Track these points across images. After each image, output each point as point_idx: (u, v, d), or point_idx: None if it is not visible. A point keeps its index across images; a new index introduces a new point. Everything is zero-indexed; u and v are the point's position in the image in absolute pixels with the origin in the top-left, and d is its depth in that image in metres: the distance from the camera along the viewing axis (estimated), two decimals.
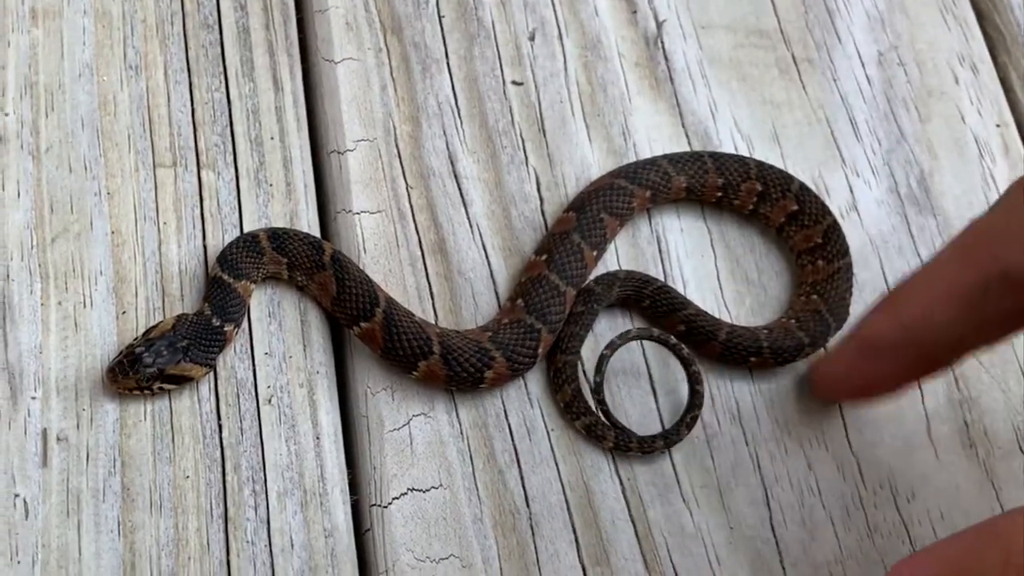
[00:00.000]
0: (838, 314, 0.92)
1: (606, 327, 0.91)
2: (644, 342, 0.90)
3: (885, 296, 0.81)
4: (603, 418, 0.86)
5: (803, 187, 0.96)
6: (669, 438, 0.86)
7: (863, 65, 1.06)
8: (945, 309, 0.76)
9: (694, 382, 0.87)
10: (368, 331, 0.84)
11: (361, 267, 0.89)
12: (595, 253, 0.91)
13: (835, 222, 0.95)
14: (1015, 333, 0.76)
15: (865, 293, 0.95)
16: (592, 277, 0.92)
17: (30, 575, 0.75)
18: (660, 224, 0.96)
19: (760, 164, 0.97)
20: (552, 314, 0.87)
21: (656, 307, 0.91)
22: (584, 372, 0.89)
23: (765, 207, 0.96)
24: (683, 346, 0.88)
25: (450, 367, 0.83)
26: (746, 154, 0.99)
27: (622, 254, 0.94)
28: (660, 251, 0.94)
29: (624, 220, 0.94)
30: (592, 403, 0.86)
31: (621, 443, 0.85)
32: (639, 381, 0.90)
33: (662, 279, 0.93)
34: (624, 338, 0.87)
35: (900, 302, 0.80)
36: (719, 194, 0.96)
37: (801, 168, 0.99)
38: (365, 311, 0.84)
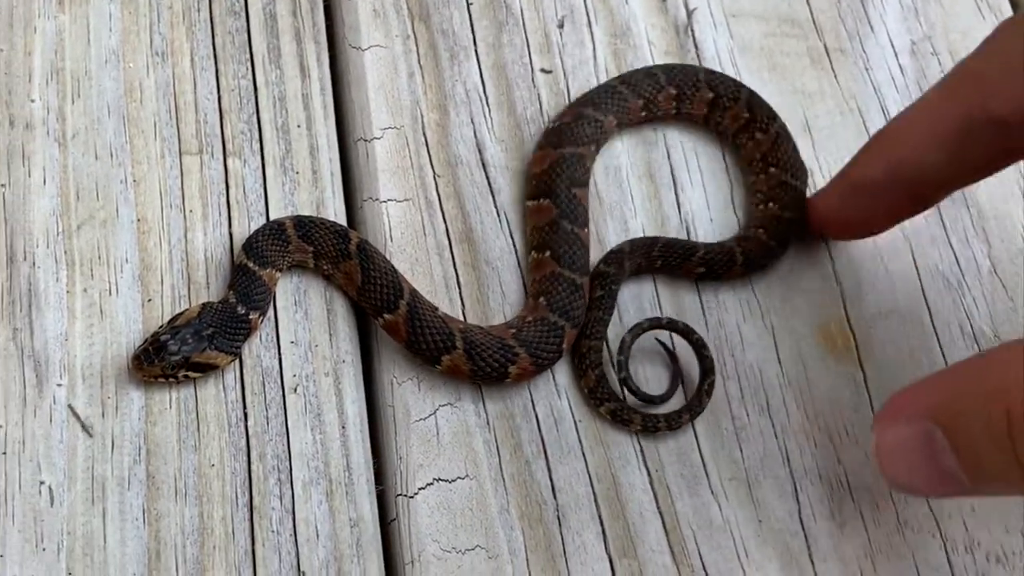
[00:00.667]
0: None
1: (628, 298, 0.91)
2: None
3: (874, 136, 0.85)
4: (628, 391, 0.86)
5: (753, 94, 0.98)
6: (693, 410, 0.86)
7: (896, 55, 1.05)
8: (931, 149, 0.79)
9: (700, 348, 0.88)
10: (392, 323, 0.84)
11: (387, 256, 0.88)
12: (585, 230, 0.91)
13: (784, 128, 0.97)
14: (999, 170, 0.80)
15: (897, 284, 0.93)
16: (600, 258, 0.91)
17: (55, 562, 0.75)
18: (689, 213, 0.95)
19: (709, 72, 0.99)
20: (574, 309, 0.87)
21: (669, 262, 0.91)
22: (610, 353, 0.88)
23: (717, 115, 0.98)
24: (678, 321, 0.88)
25: (473, 362, 0.83)
26: None
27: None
28: (689, 239, 0.93)
29: (597, 152, 0.95)
30: (617, 388, 0.86)
31: (649, 425, 0.85)
32: (654, 360, 0.90)
33: None
34: (635, 333, 0.88)
35: (888, 142, 0.83)
36: (674, 103, 0.97)
37: (832, 158, 0.98)
38: (389, 302, 0.84)
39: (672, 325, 0.88)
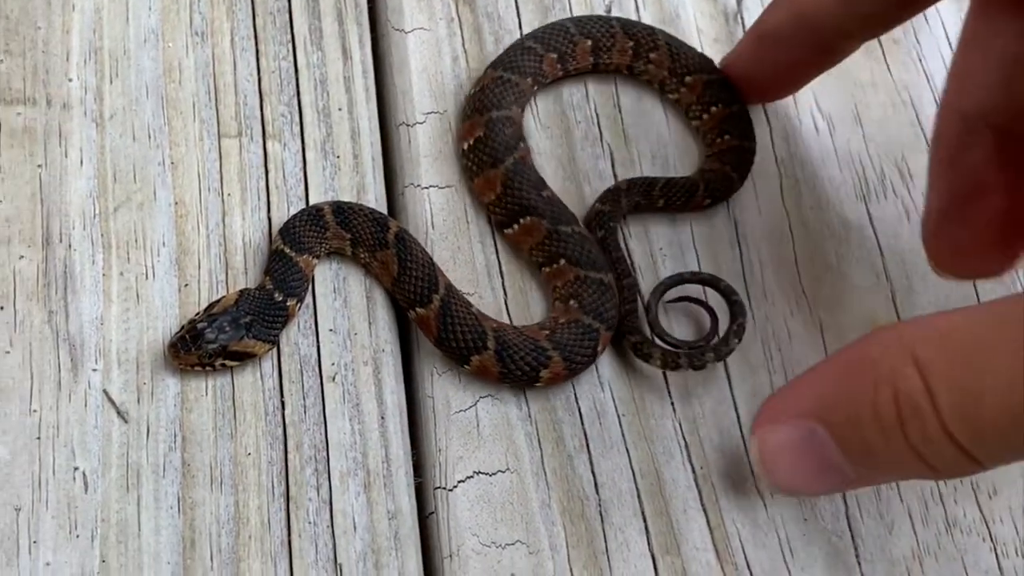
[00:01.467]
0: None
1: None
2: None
3: None
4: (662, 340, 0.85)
5: (671, 38, 0.98)
6: (719, 350, 0.84)
7: (950, 44, 1.03)
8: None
9: (729, 295, 0.87)
10: (423, 317, 0.82)
11: (429, 244, 0.87)
12: (578, 226, 0.89)
13: (709, 63, 0.97)
14: (901, 22, 0.85)
15: (946, 280, 0.91)
16: (596, 199, 0.91)
17: (89, 549, 0.73)
18: (737, 206, 0.93)
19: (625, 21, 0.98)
20: (607, 311, 0.85)
21: (672, 201, 0.90)
22: (640, 295, 0.88)
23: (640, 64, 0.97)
24: (701, 272, 0.88)
25: (504, 364, 0.81)
26: (827, 137, 0.96)
27: (697, 235, 0.91)
28: (737, 234, 0.92)
29: (522, 113, 0.94)
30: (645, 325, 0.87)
31: (669, 360, 0.84)
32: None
33: (739, 263, 0.90)
34: (657, 294, 0.87)
35: None
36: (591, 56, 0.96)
37: (884, 150, 0.96)
38: (423, 296, 0.82)
39: (697, 277, 0.88)
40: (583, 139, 0.94)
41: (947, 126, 0.80)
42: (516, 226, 0.88)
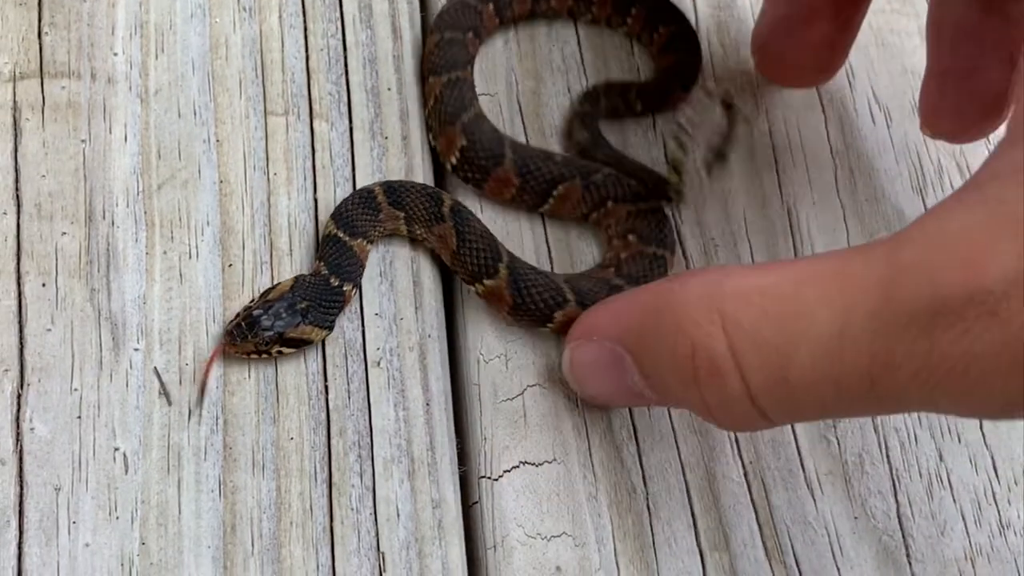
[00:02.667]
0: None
1: None
2: None
3: None
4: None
5: None
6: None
7: None
8: None
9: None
10: (493, 289, 0.81)
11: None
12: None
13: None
14: None
15: None
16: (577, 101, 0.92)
17: (128, 531, 0.72)
18: (792, 196, 0.91)
19: None
20: (667, 236, 0.86)
21: (649, 103, 0.92)
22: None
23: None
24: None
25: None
26: (884, 128, 0.94)
27: (750, 225, 0.89)
28: (791, 225, 0.90)
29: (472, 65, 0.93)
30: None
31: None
32: None
33: (793, 254, 0.88)
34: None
35: None
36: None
37: (940, 143, 0.94)
38: (488, 268, 0.81)
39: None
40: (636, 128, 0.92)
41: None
42: (552, 200, 0.87)
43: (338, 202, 0.84)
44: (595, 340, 0.72)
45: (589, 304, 0.79)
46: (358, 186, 0.86)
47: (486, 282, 0.81)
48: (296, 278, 0.80)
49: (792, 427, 0.82)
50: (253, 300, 0.79)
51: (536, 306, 0.80)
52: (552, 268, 0.86)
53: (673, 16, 0.95)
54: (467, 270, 0.82)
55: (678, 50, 0.94)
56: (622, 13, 0.95)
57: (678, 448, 0.81)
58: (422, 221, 0.83)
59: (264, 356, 0.77)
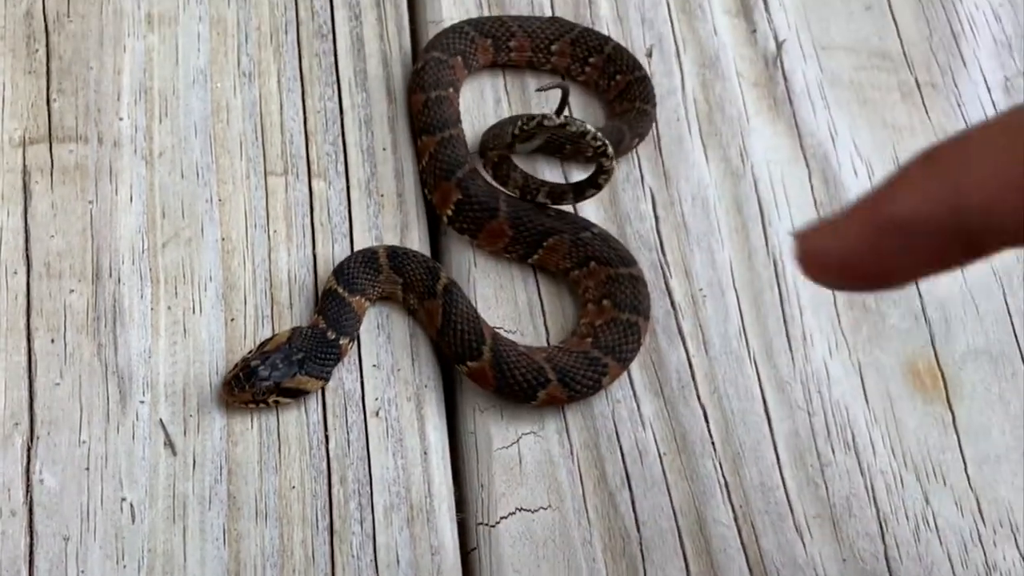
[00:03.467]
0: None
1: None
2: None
3: (920, 159, 0.55)
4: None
5: (618, 47, 0.99)
6: (582, 187, 0.88)
7: (989, 91, 1.03)
8: (1016, 194, 0.53)
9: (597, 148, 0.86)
10: (476, 371, 0.83)
11: (471, 281, 0.88)
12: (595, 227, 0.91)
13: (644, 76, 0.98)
14: None
15: (987, 324, 0.92)
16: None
17: None
18: (777, 248, 0.93)
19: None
20: (641, 302, 0.87)
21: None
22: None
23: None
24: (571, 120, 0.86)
25: (569, 387, 0.82)
26: (866, 179, 0.97)
27: (737, 276, 0.91)
28: (776, 275, 0.92)
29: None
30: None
31: (529, 186, 0.89)
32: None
33: (779, 305, 0.90)
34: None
35: (950, 175, 0.56)
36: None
37: None
38: (471, 350, 0.83)
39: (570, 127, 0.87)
40: (624, 180, 0.95)
41: None
42: (540, 251, 0.89)
43: (337, 258, 0.86)
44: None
45: (570, 383, 0.82)
46: (356, 242, 0.88)
47: (470, 364, 0.83)
48: (293, 330, 0.82)
49: (781, 471, 0.84)
50: (251, 351, 0.81)
51: (520, 386, 0.82)
52: (544, 318, 0.88)
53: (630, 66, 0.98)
54: (452, 351, 0.84)
55: (633, 98, 0.97)
56: (580, 63, 0.99)
57: (670, 494, 0.82)
58: (417, 292, 0.85)
59: (262, 405, 0.80)
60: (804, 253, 0.59)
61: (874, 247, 0.58)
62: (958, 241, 0.55)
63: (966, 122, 1.01)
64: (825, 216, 0.64)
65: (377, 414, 0.82)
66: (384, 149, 0.93)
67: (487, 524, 0.80)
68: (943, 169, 0.55)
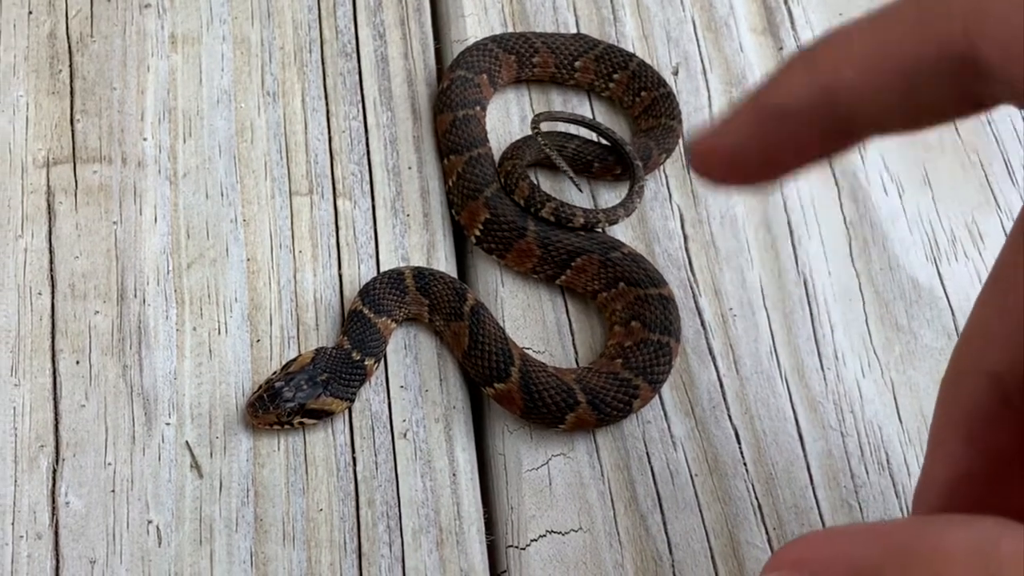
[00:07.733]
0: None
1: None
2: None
3: (798, 54, 0.59)
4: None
5: (642, 63, 0.99)
6: (627, 206, 0.90)
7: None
8: (882, 77, 0.55)
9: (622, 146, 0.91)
10: (504, 392, 0.82)
11: (499, 301, 0.87)
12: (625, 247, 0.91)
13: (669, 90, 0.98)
14: (949, 120, 0.55)
15: None
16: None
17: None
18: (807, 266, 0.92)
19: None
20: (672, 323, 0.86)
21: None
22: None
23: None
24: (599, 123, 0.93)
25: (599, 410, 0.81)
26: (896, 198, 0.96)
27: (767, 295, 0.90)
28: (807, 294, 0.91)
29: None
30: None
31: (591, 218, 0.89)
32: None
33: (810, 323, 0.89)
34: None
35: (824, 60, 0.59)
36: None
37: (954, 212, 0.95)
38: (499, 372, 0.82)
39: (591, 125, 0.93)
40: (652, 199, 0.94)
41: (969, 387, 0.60)
42: (569, 271, 0.88)
43: (363, 278, 0.86)
44: None
45: (601, 405, 0.81)
46: (382, 262, 0.88)
47: (496, 386, 0.82)
48: (317, 350, 0.81)
49: (814, 492, 0.83)
50: (275, 373, 0.80)
51: (548, 409, 0.81)
52: (573, 338, 0.87)
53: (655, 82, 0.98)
54: (478, 372, 0.83)
55: (659, 115, 0.97)
56: (604, 79, 0.99)
57: (702, 515, 0.81)
58: (443, 313, 0.84)
59: (287, 427, 0.79)
60: (694, 152, 0.62)
61: (758, 138, 0.60)
62: (833, 126, 0.57)
63: (996, 139, 1.00)
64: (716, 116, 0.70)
65: (405, 435, 0.81)
66: (410, 168, 0.92)
67: (517, 547, 0.78)
68: (820, 58, 0.57)
